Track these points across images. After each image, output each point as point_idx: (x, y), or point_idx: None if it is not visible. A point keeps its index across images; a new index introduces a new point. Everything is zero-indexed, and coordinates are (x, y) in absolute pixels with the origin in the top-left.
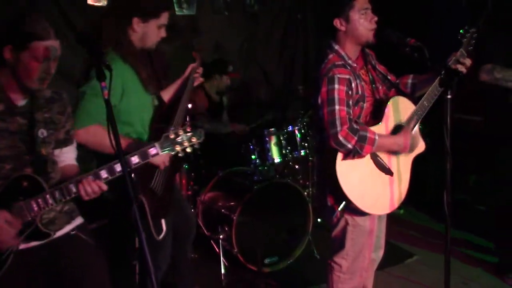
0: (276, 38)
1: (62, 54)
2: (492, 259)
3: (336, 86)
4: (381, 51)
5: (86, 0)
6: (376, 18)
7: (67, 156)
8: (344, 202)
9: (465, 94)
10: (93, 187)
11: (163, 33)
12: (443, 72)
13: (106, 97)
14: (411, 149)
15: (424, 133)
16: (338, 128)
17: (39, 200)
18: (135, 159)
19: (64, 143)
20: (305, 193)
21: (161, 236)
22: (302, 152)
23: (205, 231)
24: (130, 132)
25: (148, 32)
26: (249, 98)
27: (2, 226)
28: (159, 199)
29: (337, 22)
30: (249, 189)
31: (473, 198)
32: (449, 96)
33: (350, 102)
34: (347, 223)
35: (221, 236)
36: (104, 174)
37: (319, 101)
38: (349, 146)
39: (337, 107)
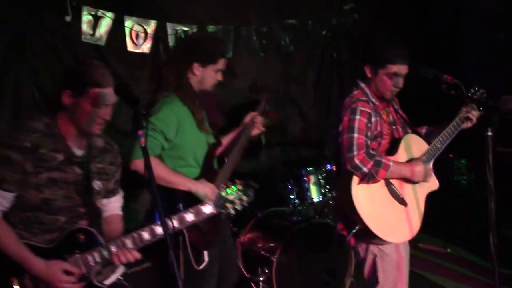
0: (311, 77)
1: None
2: None
3: (358, 116)
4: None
5: (126, 47)
6: (401, 86)
7: (114, 205)
8: (354, 229)
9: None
10: (131, 256)
11: (219, 76)
12: (484, 111)
13: (143, 145)
14: (424, 179)
15: (468, 168)
16: (355, 152)
17: (95, 254)
18: (190, 217)
19: (112, 192)
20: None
21: (202, 267)
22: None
23: (245, 273)
24: (183, 165)
25: (206, 76)
26: (286, 136)
27: (60, 276)
28: (201, 230)
29: (367, 68)
30: (288, 230)
31: None
32: (489, 133)
33: (369, 134)
34: (374, 255)
35: (261, 278)
36: (159, 230)
37: (340, 128)
38: (365, 169)
39: (356, 134)
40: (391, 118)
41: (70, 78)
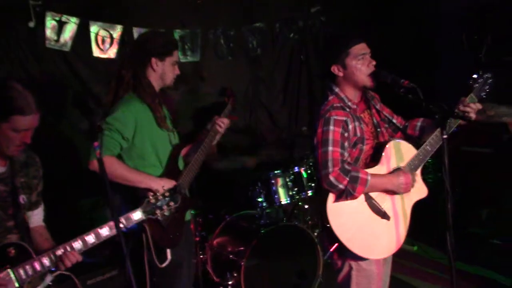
0: (279, 80)
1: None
2: None
3: (331, 127)
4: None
5: (92, 52)
6: (374, 62)
7: (37, 218)
8: (334, 246)
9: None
10: (74, 258)
11: (177, 70)
12: (439, 115)
13: (98, 156)
14: (409, 190)
15: (434, 167)
16: (330, 169)
17: (27, 267)
18: (122, 223)
19: (35, 205)
20: (315, 233)
21: (164, 264)
22: (310, 193)
23: (214, 278)
24: (144, 165)
25: (166, 70)
26: (255, 140)
27: None
28: (165, 229)
29: (334, 69)
30: (255, 234)
31: (486, 232)
32: (445, 136)
33: (346, 144)
34: (351, 268)
35: (230, 282)
36: (91, 239)
37: (315, 141)
38: (341, 186)
39: (330, 148)
40: (375, 121)
41: None
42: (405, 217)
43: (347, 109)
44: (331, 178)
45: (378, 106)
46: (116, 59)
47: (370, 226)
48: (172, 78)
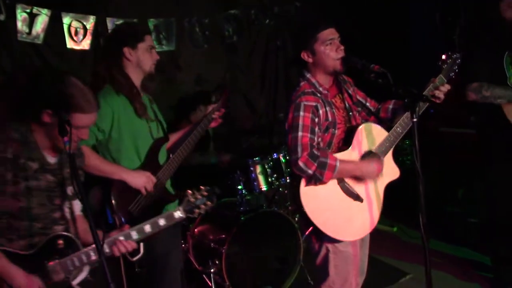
0: (256, 66)
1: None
2: (488, 274)
3: (301, 113)
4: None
5: (65, 44)
6: (342, 47)
7: (76, 207)
8: (309, 230)
9: (453, 107)
10: (126, 246)
11: (155, 55)
12: (407, 98)
13: (67, 150)
14: (377, 177)
15: (411, 149)
16: (299, 154)
17: (75, 259)
18: (161, 221)
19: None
20: (295, 218)
21: (136, 258)
22: (289, 178)
23: (197, 266)
24: (121, 158)
25: (141, 57)
26: (234, 127)
27: None
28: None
29: (304, 55)
30: (235, 221)
31: (463, 211)
32: (414, 120)
33: (316, 129)
34: (328, 250)
35: (212, 270)
36: (134, 235)
37: (286, 127)
38: (309, 172)
39: (300, 133)
40: (346, 105)
41: (54, 99)
42: (378, 198)
43: (318, 94)
44: (300, 163)
45: (350, 90)
46: (91, 50)
47: (343, 208)
48: (150, 64)
